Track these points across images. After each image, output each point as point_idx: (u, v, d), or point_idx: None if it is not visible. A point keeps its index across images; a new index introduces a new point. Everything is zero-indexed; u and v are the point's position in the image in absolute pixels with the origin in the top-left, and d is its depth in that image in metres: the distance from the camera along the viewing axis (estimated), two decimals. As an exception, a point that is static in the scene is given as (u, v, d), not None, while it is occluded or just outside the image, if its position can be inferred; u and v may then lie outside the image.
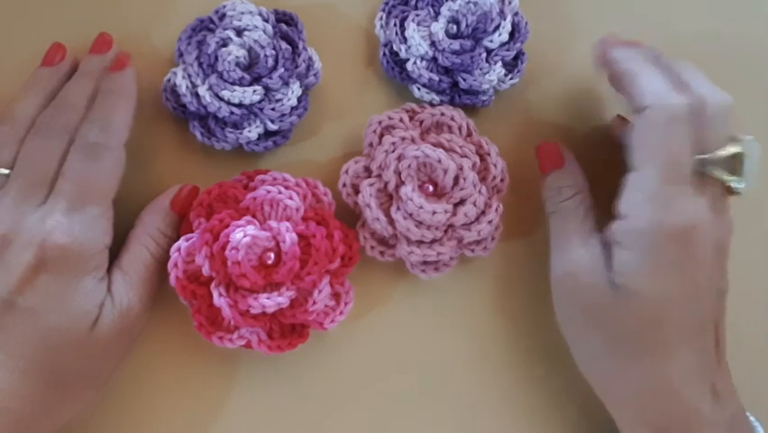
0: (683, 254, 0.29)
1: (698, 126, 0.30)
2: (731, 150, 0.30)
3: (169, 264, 0.32)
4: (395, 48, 0.37)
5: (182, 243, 0.33)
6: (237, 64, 0.35)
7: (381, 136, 0.35)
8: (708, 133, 0.30)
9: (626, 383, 0.31)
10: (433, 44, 0.37)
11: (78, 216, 0.31)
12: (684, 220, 0.29)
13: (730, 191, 0.31)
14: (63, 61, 0.36)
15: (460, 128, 0.36)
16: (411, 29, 0.37)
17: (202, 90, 0.35)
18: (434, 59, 0.37)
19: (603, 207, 0.33)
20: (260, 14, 0.36)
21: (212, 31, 0.36)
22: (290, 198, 0.33)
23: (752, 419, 0.33)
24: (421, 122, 0.36)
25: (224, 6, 0.36)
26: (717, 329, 0.31)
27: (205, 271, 0.32)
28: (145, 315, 0.33)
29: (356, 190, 0.35)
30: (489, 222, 0.34)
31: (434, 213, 0.33)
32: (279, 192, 0.33)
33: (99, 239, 0.32)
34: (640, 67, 0.32)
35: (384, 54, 0.38)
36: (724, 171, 0.30)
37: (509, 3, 0.37)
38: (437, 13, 0.37)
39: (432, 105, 0.37)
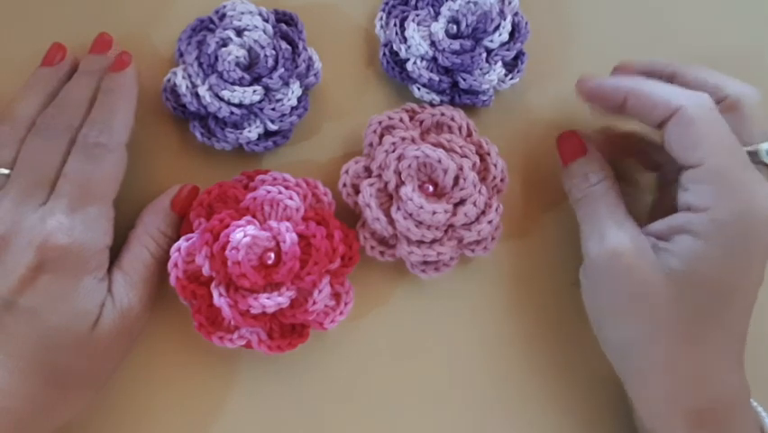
0: (764, 241, 0.29)
1: (741, 120, 0.31)
2: None
3: (169, 264, 0.32)
4: (395, 48, 0.37)
5: (182, 243, 0.33)
6: (237, 64, 0.35)
7: (381, 136, 0.35)
8: (751, 127, 0.31)
9: (668, 370, 0.30)
10: (433, 44, 0.37)
11: (79, 216, 0.31)
12: None
13: None
14: (63, 61, 0.36)
15: (460, 128, 0.36)
16: (411, 29, 0.37)
17: (202, 90, 0.35)
18: (434, 59, 0.37)
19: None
20: (260, 14, 0.36)
21: (212, 31, 0.36)
22: (290, 198, 0.33)
23: (754, 403, 0.33)
24: (421, 122, 0.36)
25: (224, 6, 0.36)
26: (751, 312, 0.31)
27: (206, 271, 0.32)
28: (145, 315, 0.33)
29: (356, 190, 0.35)
30: (489, 222, 0.34)
31: (434, 213, 0.33)
32: (279, 192, 0.33)
33: (99, 239, 0.32)
34: (642, 82, 0.32)
35: (384, 54, 0.38)
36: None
37: (509, 3, 0.37)
38: (437, 13, 0.37)
39: (432, 105, 0.37)
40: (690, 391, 0.30)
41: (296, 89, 0.36)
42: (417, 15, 0.37)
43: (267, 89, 0.35)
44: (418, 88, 0.37)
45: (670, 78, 0.34)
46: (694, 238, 0.29)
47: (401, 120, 0.35)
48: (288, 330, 0.34)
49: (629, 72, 0.35)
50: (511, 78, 0.38)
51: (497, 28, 0.37)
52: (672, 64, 0.34)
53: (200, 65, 0.35)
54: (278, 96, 0.36)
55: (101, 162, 0.32)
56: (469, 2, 0.36)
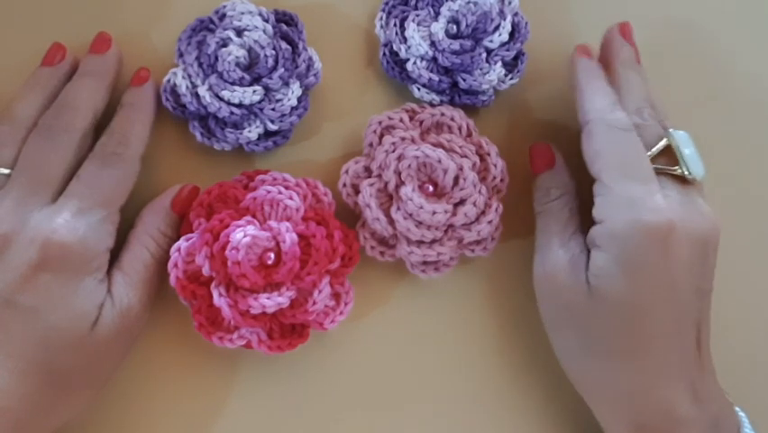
0: (661, 255, 0.30)
1: (639, 133, 0.32)
2: (660, 144, 0.32)
3: (169, 264, 0.32)
4: (395, 48, 0.37)
5: (182, 243, 0.33)
6: (237, 64, 0.35)
7: (381, 136, 0.35)
8: (645, 137, 0.33)
9: (603, 382, 0.32)
10: (433, 44, 0.37)
11: (85, 218, 0.31)
12: (660, 216, 0.30)
13: (687, 181, 0.32)
14: (63, 61, 0.36)
15: (460, 128, 0.36)
16: (411, 29, 0.37)
17: (202, 90, 0.35)
18: (434, 59, 0.37)
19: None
20: (260, 15, 0.36)
21: (212, 31, 0.36)
22: (290, 198, 0.33)
23: (741, 413, 0.33)
24: (421, 122, 0.36)
25: (224, 6, 0.36)
26: (698, 329, 0.32)
27: (206, 271, 0.32)
28: (145, 315, 0.33)
29: (356, 190, 0.35)
30: (489, 222, 0.34)
31: (434, 213, 0.33)
32: (279, 192, 0.33)
33: (102, 241, 0.32)
34: (589, 82, 0.34)
35: (384, 54, 0.38)
36: (666, 164, 0.32)
37: (509, 3, 0.37)
38: (437, 14, 0.37)
39: (432, 105, 0.37)
40: (628, 406, 0.31)
41: (296, 89, 0.36)
42: (417, 15, 0.37)
43: (267, 89, 0.35)
44: (418, 88, 0.37)
45: (605, 67, 0.36)
46: (599, 251, 0.31)
47: (401, 120, 0.35)
48: (287, 330, 0.34)
49: (589, 57, 0.36)
50: (511, 78, 0.38)
51: (497, 28, 0.37)
52: (614, 58, 0.36)
53: (200, 65, 0.35)
54: (278, 96, 0.36)
55: (115, 170, 0.33)
56: (469, 2, 0.36)
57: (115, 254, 0.33)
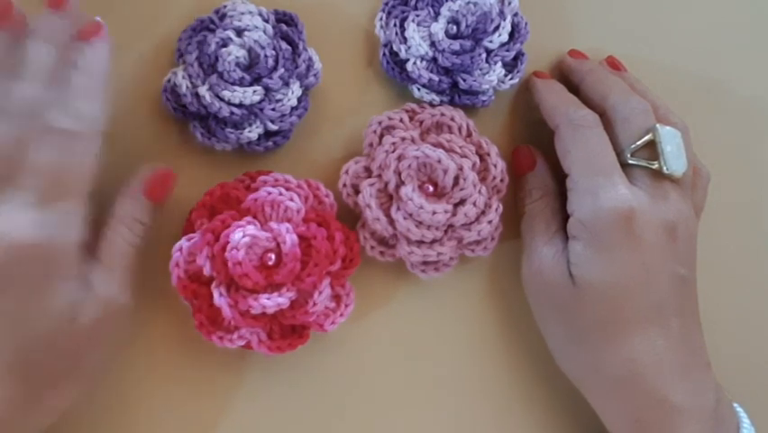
0: (626, 237, 0.31)
1: (614, 129, 0.34)
2: (644, 139, 0.33)
3: (171, 264, 0.32)
4: (395, 48, 0.37)
5: (184, 243, 0.33)
6: (237, 64, 0.35)
7: (381, 136, 0.35)
8: (624, 132, 0.34)
9: (595, 374, 0.32)
10: (433, 44, 0.37)
11: (48, 212, 0.28)
12: (618, 203, 0.31)
13: (664, 176, 0.33)
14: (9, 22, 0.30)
15: (460, 128, 0.36)
16: (411, 29, 0.37)
17: (202, 90, 0.35)
18: (434, 59, 0.37)
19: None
20: (261, 15, 0.36)
21: (212, 31, 0.36)
22: (291, 199, 0.33)
23: (738, 409, 0.33)
24: (421, 122, 0.36)
25: (225, 6, 0.36)
26: (681, 317, 0.32)
27: (207, 271, 0.32)
28: (128, 302, 0.32)
29: (356, 190, 0.35)
30: (489, 222, 0.34)
31: (434, 213, 0.33)
32: (281, 194, 0.33)
33: (71, 237, 0.29)
34: (549, 93, 0.37)
35: (384, 54, 0.38)
36: (643, 159, 0.33)
37: (509, 3, 0.37)
38: (437, 14, 0.37)
39: (432, 105, 0.37)
40: (621, 396, 0.32)
41: (296, 89, 0.36)
42: (417, 16, 0.37)
43: (267, 89, 0.35)
44: (418, 89, 0.37)
45: (578, 85, 0.38)
46: (574, 241, 0.33)
47: (401, 120, 0.35)
48: (288, 331, 0.34)
49: (545, 77, 0.39)
50: (511, 79, 0.38)
51: (496, 28, 0.37)
52: (582, 72, 0.38)
53: (200, 65, 0.35)
54: (279, 96, 0.36)
55: (71, 151, 0.29)
56: (469, 2, 0.36)
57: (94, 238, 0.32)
